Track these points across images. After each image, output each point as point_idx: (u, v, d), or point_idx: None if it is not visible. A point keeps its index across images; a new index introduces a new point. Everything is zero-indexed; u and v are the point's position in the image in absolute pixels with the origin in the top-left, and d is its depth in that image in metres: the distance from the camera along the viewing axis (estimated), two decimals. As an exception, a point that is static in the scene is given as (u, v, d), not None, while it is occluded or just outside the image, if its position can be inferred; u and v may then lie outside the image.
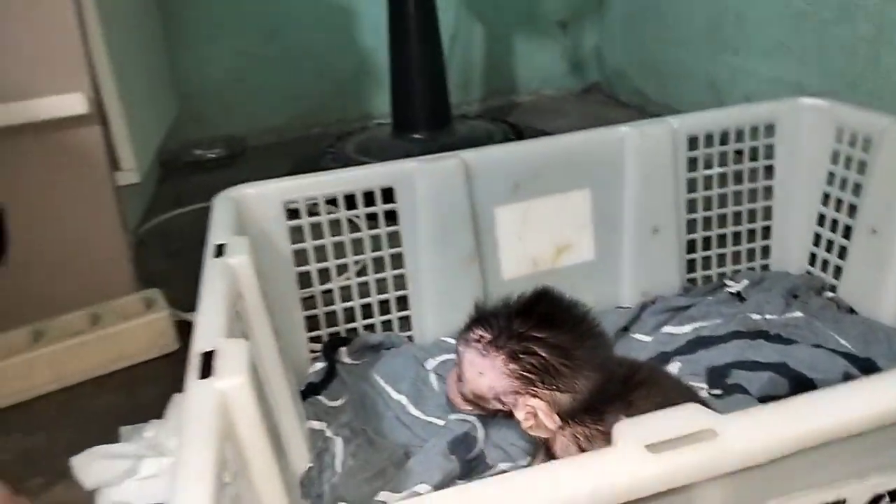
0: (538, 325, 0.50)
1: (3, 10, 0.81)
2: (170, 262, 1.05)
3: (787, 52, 1.14)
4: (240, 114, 1.56)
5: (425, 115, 1.36)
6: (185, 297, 0.88)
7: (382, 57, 1.37)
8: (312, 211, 0.72)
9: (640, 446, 0.31)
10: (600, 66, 1.77)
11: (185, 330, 0.85)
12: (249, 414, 0.40)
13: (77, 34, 0.85)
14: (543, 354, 0.49)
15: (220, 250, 0.56)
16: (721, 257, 0.83)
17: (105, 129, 0.90)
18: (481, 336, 0.51)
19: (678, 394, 0.51)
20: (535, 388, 0.50)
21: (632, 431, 0.32)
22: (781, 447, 0.32)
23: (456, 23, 1.65)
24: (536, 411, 0.48)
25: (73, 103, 0.84)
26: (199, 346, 0.43)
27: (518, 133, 1.39)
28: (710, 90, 1.35)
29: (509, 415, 0.52)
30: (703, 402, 0.50)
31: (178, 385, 0.72)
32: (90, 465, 0.63)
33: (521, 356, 0.49)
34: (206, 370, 0.40)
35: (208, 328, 0.45)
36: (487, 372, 0.51)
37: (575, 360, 0.48)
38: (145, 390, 0.75)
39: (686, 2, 1.39)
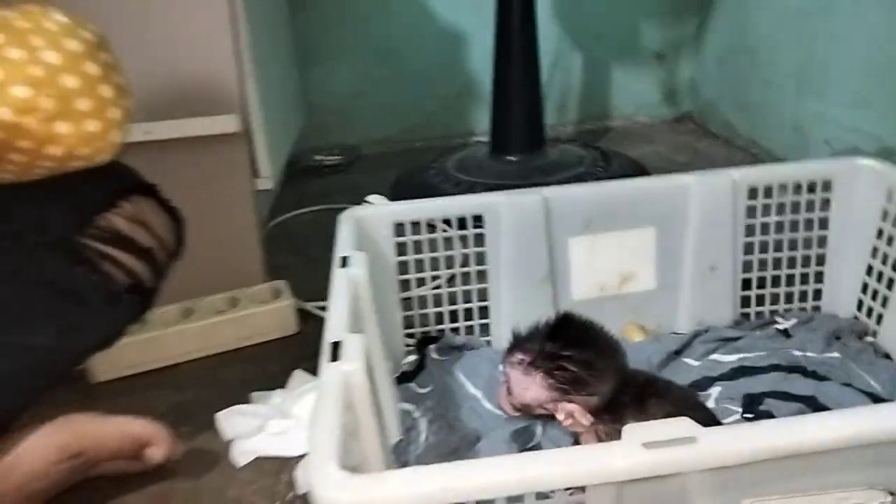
0: (566, 345, 0.63)
1: (173, 43, 1.00)
2: (292, 256, 1.23)
3: (868, 105, 1.19)
4: (355, 125, 1.75)
5: (521, 137, 1.49)
6: (304, 287, 1.05)
7: (486, 79, 1.51)
8: (415, 230, 0.86)
9: (639, 443, 0.43)
10: (693, 97, 1.84)
11: (303, 316, 1.02)
12: (362, 391, 0.55)
13: (233, 63, 1.03)
14: (573, 369, 0.62)
15: (344, 262, 0.71)
16: (774, 296, 0.92)
17: (249, 143, 1.09)
18: (521, 359, 0.64)
19: (686, 406, 0.62)
20: (569, 396, 0.63)
21: (635, 432, 0.44)
22: (745, 455, 0.43)
23: (557, 49, 1.76)
24: (573, 413, 0.61)
25: (228, 123, 1.02)
26: (329, 337, 0.58)
27: (606, 159, 1.49)
28: (795, 132, 1.41)
29: (552, 417, 0.66)
30: (709, 415, 0.62)
31: (297, 362, 0.90)
32: (229, 420, 0.80)
33: (556, 372, 0.63)
34: (335, 356, 0.55)
35: (336, 325, 0.60)
36: (531, 388, 0.65)
37: (598, 370, 0.61)
38: (271, 364, 0.93)
39: (777, 45, 1.46)
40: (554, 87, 1.79)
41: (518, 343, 0.67)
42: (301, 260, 1.20)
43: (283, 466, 0.75)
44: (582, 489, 0.44)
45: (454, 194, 1.34)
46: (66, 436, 0.69)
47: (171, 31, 1.00)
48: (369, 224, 0.83)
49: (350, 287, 0.67)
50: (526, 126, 1.49)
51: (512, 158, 1.46)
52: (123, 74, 0.56)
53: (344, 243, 0.75)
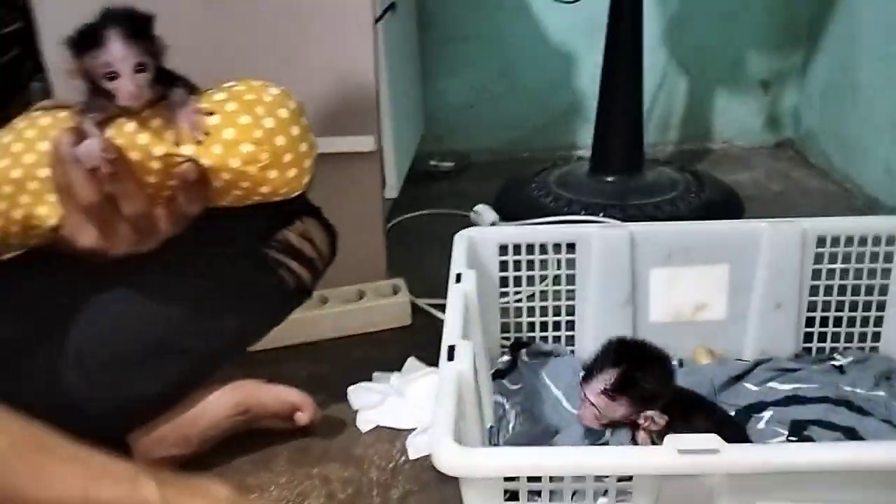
0: (637, 367, 0.78)
1: (325, 72, 1.19)
2: (407, 254, 1.41)
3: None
4: (468, 135, 1.92)
5: (620, 158, 1.61)
6: (417, 283, 1.23)
7: (593, 99, 1.63)
8: (517, 251, 1.02)
9: (675, 450, 0.58)
10: (795, 126, 1.90)
11: (416, 310, 1.20)
12: (469, 386, 0.72)
13: (373, 90, 1.22)
14: (649, 386, 0.77)
15: (458, 278, 0.88)
16: (835, 335, 1.02)
17: (380, 158, 1.27)
18: (605, 388, 0.79)
19: (722, 423, 0.77)
20: (648, 405, 0.78)
21: (674, 441, 0.59)
22: (757, 467, 0.57)
23: (663, 72, 1.86)
24: (653, 417, 0.76)
25: (366, 144, 1.21)
26: (446, 341, 0.75)
27: (700, 185, 1.59)
28: (886, 174, 1.47)
29: (623, 424, 0.81)
30: (739, 432, 0.76)
31: (410, 350, 1.08)
32: (356, 394, 1.00)
33: (635, 392, 0.78)
34: (451, 356, 0.73)
35: (452, 331, 0.77)
36: (619, 409, 0.80)
37: (665, 381, 0.77)
38: (389, 350, 1.12)
39: (876, 87, 1.51)
40: (657, 107, 1.89)
41: (592, 373, 0.82)
42: (415, 259, 1.38)
43: (397, 436, 0.94)
44: (630, 478, 0.60)
45: (553, 209, 1.49)
46: (238, 396, 0.89)
47: (324, 62, 1.20)
48: (479, 244, 1.00)
49: (462, 300, 0.84)
50: (626, 148, 1.60)
51: (610, 179, 1.58)
52: (312, 132, 0.74)
53: (458, 261, 0.93)
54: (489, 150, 1.93)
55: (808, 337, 1.02)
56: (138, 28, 0.63)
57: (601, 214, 1.44)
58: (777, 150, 1.92)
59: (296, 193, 0.74)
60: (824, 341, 1.02)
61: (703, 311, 1.02)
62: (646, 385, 0.78)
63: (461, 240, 0.98)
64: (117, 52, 0.61)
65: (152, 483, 0.51)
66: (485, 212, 1.50)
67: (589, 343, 1.03)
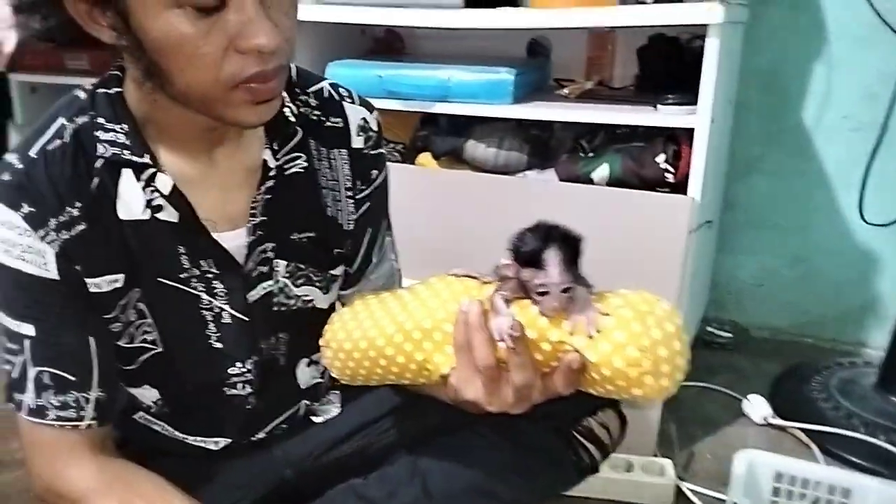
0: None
1: (627, 262, 1.38)
2: (675, 429, 1.52)
3: None
4: (750, 310, 1.98)
5: (915, 378, 1.56)
6: (681, 458, 1.32)
7: (889, 301, 1.61)
8: (791, 480, 1.11)
9: None
10: None
11: (679, 492, 1.30)
12: None
13: (677, 284, 1.38)
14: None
15: (733, 504, 1.01)
16: None
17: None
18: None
19: None
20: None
21: None
22: None
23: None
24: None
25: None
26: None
27: None
28: None
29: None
30: None
31: None
32: None
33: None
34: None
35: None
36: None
37: None
38: None
39: None
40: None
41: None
42: (683, 436, 1.49)
43: None
44: None
45: (831, 418, 1.51)
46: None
47: (634, 257, 1.39)
48: (756, 468, 1.11)
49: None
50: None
51: (898, 399, 1.55)
52: (688, 349, 0.72)
53: (736, 487, 1.05)
54: (770, 328, 1.97)
55: None
56: (574, 253, 0.69)
57: (882, 438, 1.43)
58: None
59: (657, 400, 0.82)
60: None
61: None
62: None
63: (741, 463, 1.10)
64: (554, 277, 0.67)
65: None
66: (758, 404, 1.57)
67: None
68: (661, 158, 1.39)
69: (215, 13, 0.64)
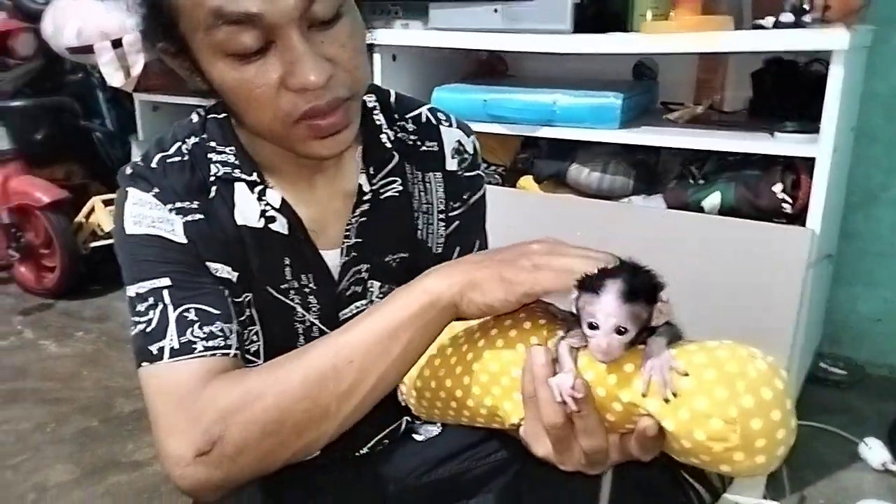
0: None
1: (744, 297, 1.32)
2: (787, 472, 1.45)
3: None
4: (868, 346, 1.87)
5: None
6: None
7: None
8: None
9: None
10: None
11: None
12: None
13: (793, 322, 1.31)
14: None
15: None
16: None
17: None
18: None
19: None
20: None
21: None
22: None
23: None
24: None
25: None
26: None
27: None
28: None
29: None
30: None
31: None
32: None
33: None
34: None
35: None
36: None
37: None
38: None
39: None
40: None
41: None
42: (795, 480, 1.42)
43: None
44: None
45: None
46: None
47: (750, 291, 1.34)
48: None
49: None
50: None
51: None
52: (794, 416, 0.60)
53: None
54: (889, 366, 1.85)
55: None
56: (638, 293, 0.60)
57: None
58: None
59: (755, 476, 0.80)
60: None
61: None
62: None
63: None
64: (606, 306, 0.59)
65: None
66: (876, 449, 1.47)
67: None
68: (778, 188, 1.34)
69: (261, 56, 0.66)
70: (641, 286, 0.60)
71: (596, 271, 0.61)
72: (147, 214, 0.76)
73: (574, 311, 0.63)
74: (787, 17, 1.34)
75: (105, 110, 2.75)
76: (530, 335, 0.68)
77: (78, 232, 2.48)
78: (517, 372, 0.66)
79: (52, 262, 2.48)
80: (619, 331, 0.59)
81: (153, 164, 0.78)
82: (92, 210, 2.50)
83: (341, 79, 0.69)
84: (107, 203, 2.49)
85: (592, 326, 0.60)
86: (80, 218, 2.50)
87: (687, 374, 0.60)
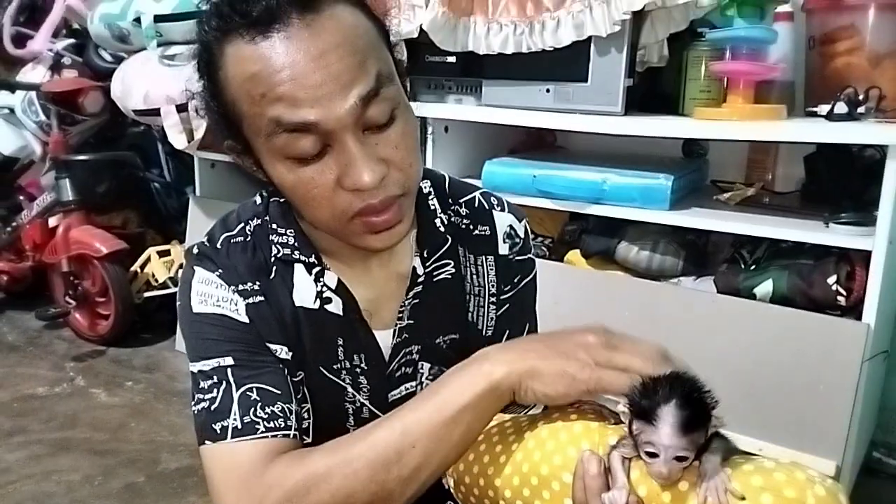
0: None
1: (801, 392, 1.29)
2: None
3: None
4: (925, 435, 1.80)
5: None
6: None
7: None
8: None
9: None
10: None
11: None
12: None
13: (847, 421, 1.28)
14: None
15: None
16: None
17: (837, 475, 1.32)
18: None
19: None
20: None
21: None
22: None
23: None
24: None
25: (826, 467, 1.28)
26: None
27: None
28: None
29: None
30: None
31: None
32: None
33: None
34: None
35: None
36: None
37: None
38: None
39: None
40: None
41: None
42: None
43: None
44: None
45: None
46: None
47: (808, 386, 1.31)
48: None
49: None
50: None
51: None
52: None
53: None
54: (948, 456, 1.79)
55: None
56: (698, 415, 0.60)
57: None
58: None
59: None
60: None
61: None
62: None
63: None
64: (664, 439, 0.59)
65: None
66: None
67: None
68: (832, 279, 1.32)
69: (318, 159, 0.70)
70: (699, 411, 0.59)
71: (648, 387, 0.61)
72: (213, 293, 0.79)
73: (626, 427, 0.63)
74: (842, 107, 1.34)
75: (164, 161, 2.86)
76: (581, 438, 0.68)
77: (133, 281, 2.56)
78: (568, 477, 0.66)
79: (107, 310, 2.56)
80: (679, 458, 0.59)
81: (218, 245, 0.82)
82: (147, 260, 2.58)
83: (394, 178, 0.72)
84: (161, 254, 2.57)
85: (651, 454, 0.60)
86: (135, 267, 2.58)
87: (744, 499, 0.59)
